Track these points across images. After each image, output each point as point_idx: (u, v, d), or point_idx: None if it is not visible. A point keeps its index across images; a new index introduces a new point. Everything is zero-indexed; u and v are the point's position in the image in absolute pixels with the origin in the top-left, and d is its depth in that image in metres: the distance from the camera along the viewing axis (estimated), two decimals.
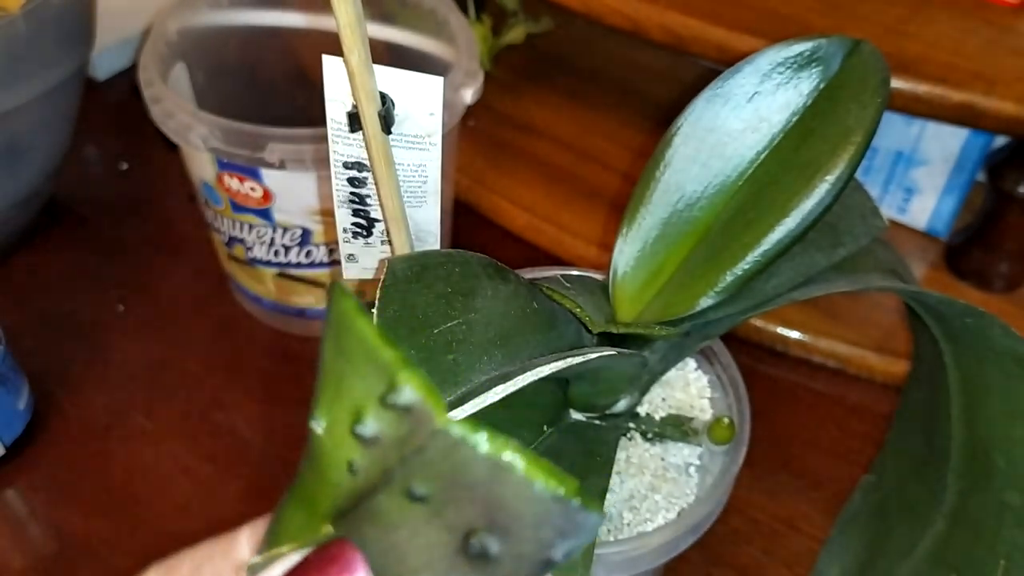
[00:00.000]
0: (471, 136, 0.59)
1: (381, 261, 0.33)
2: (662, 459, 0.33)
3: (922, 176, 0.52)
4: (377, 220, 0.32)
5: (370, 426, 0.14)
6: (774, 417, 0.46)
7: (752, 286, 0.29)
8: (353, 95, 0.27)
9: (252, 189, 0.42)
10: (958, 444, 0.34)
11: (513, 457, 0.13)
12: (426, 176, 0.31)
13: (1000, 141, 0.49)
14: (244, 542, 0.17)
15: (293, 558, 0.16)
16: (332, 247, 0.45)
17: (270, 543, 0.16)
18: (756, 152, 0.31)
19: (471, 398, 0.23)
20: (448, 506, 0.14)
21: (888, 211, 0.54)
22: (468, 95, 0.42)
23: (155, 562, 0.19)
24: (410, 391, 0.13)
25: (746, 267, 0.29)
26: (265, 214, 0.43)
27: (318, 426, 0.15)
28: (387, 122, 0.28)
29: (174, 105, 0.41)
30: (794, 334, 0.48)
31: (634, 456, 0.33)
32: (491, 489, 0.13)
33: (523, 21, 0.64)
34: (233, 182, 0.42)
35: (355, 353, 0.14)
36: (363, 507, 0.15)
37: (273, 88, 0.53)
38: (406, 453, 0.13)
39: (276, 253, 0.45)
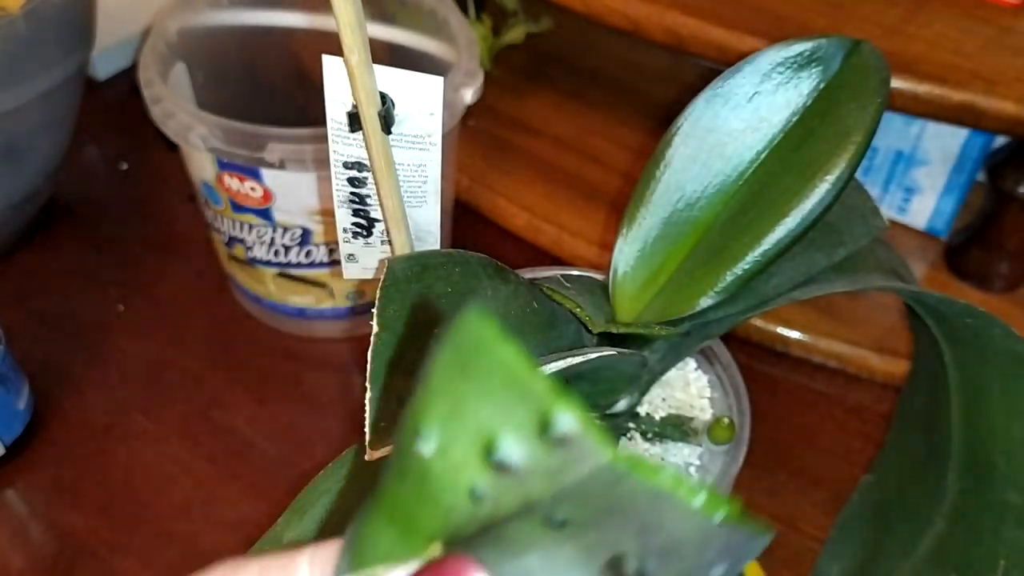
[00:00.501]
0: (471, 136, 0.59)
1: (381, 261, 0.33)
2: (662, 459, 0.33)
3: (922, 176, 0.52)
4: (377, 220, 0.32)
5: (509, 454, 0.13)
6: (774, 417, 0.46)
7: (752, 286, 0.29)
8: (353, 95, 0.27)
9: (252, 189, 0.42)
10: (958, 444, 0.34)
11: (683, 489, 0.12)
12: (426, 176, 0.31)
13: (1000, 141, 0.49)
14: (305, 566, 0.16)
15: (398, 572, 0.15)
16: (332, 247, 0.45)
17: (355, 563, 0.16)
18: (756, 152, 0.31)
19: None
20: (590, 530, 0.13)
21: (888, 211, 0.54)
22: (468, 95, 0.42)
23: None
24: (569, 422, 0.13)
25: (746, 267, 0.29)
26: (265, 214, 0.43)
27: (426, 446, 0.14)
28: (387, 122, 0.28)
29: (174, 105, 0.41)
30: (794, 334, 0.48)
31: (635, 454, 0.33)
32: (650, 516, 0.13)
33: (523, 21, 0.64)
34: (233, 182, 0.42)
35: (490, 377, 0.13)
36: (488, 533, 0.14)
37: (273, 88, 0.53)
38: (558, 485, 0.13)
39: (276, 253, 0.45)
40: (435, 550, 0.15)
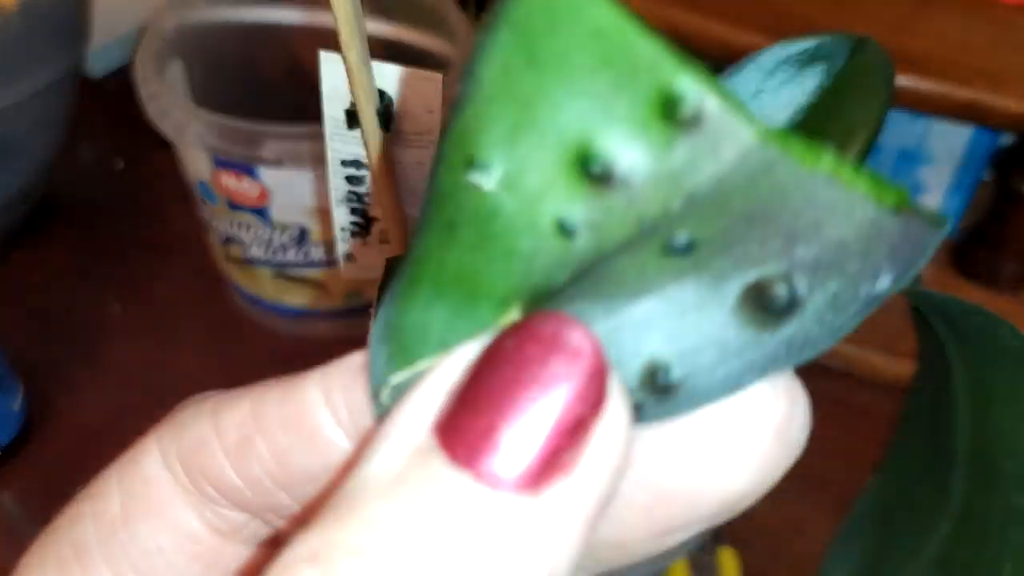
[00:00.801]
0: None
1: (380, 260, 0.33)
2: None
3: (928, 174, 0.52)
4: (375, 218, 0.32)
5: (615, 158, 0.10)
6: None
7: None
8: (351, 92, 0.27)
9: (249, 187, 0.42)
10: (964, 446, 0.34)
11: (846, 171, 0.10)
12: (426, 174, 0.30)
13: (1007, 139, 0.49)
14: (315, 391, 0.13)
15: (463, 356, 0.11)
16: (330, 246, 0.44)
17: (399, 359, 0.12)
18: None
19: None
20: (724, 251, 0.10)
21: None
22: None
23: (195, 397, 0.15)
24: (700, 95, 0.09)
25: None
26: (262, 213, 0.43)
27: (485, 176, 0.11)
28: (386, 119, 0.28)
29: (170, 102, 0.41)
30: None
31: None
32: (804, 216, 0.10)
33: None
34: (230, 180, 0.42)
35: (575, 54, 0.10)
36: (584, 280, 0.11)
37: (271, 85, 0.53)
38: (683, 191, 0.10)
39: (273, 252, 0.45)
40: (513, 315, 0.11)
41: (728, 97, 0.09)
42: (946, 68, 0.39)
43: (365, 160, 0.29)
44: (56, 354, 0.48)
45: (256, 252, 0.45)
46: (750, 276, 0.11)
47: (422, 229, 0.12)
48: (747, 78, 0.31)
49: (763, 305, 0.11)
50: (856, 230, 0.10)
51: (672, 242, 0.10)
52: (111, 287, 0.52)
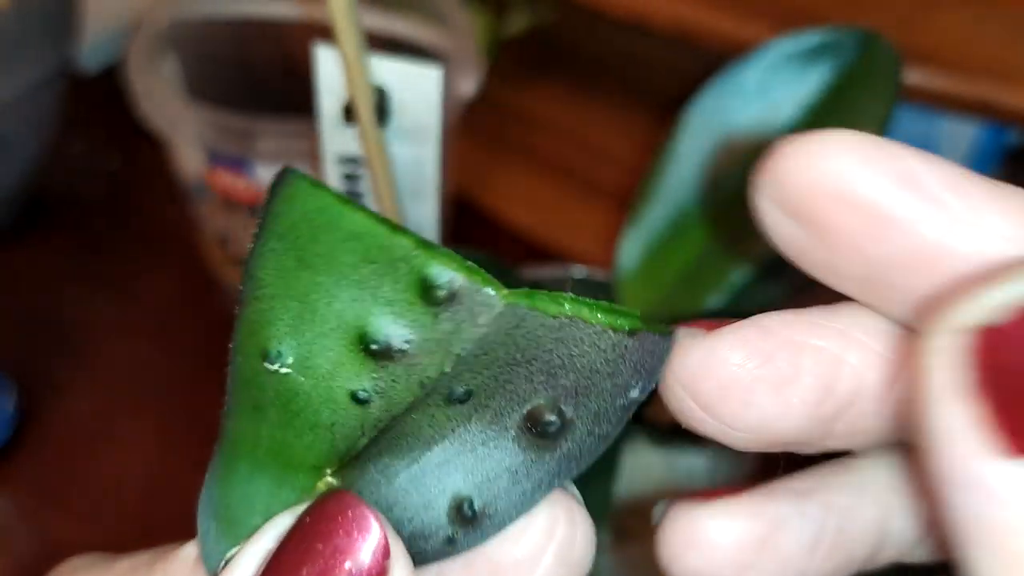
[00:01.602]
0: (472, 130, 0.58)
1: None
2: (668, 463, 0.32)
3: None
4: None
5: (388, 336, 0.12)
6: None
7: (761, 285, 0.29)
8: (347, 86, 0.26)
9: (244, 184, 0.41)
10: None
11: (583, 309, 0.12)
12: (424, 171, 0.30)
13: (1012, 138, 0.48)
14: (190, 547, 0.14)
15: (277, 526, 0.13)
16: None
17: (229, 533, 0.14)
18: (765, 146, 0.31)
19: None
20: (496, 392, 0.12)
21: None
22: (467, 87, 0.41)
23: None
24: (451, 276, 0.11)
25: (756, 265, 0.28)
26: (257, 211, 0.42)
27: (279, 362, 0.12)
28: (383, 115, 0.27)
29: (164, 98, 0.40)
30: None
31: (640, 460, 0.32)
32: (556, 353, 0.12)
33: (525, 12, 0.63)
34: (224, 177, 0.41)
35: (340, 254, 0.11)
36: (383, 439, 0.13)
37: (266, 80, 0.53)
38: (454, 352, 0.12)
39: None
40: (328, 479, 0.13)
41: (475, 273, 0.11)
42: (955, 63, 0.38)
43: (361, 157, 0.29)
44: (48, 355, 0.47)
45: None
46: (524, 408, 0.13)
47: (232, 412, 0.14)
48: (754, 72, 0.31)
49: (540, 431, 0.13)
50: (602, 356, 0.12)
51: (452, 393, 0.12)
52: (103, 286, 0.51)
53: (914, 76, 0.38)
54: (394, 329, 0.12)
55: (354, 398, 0.12)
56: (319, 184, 0.12)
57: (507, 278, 0.28)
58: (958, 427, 0.10)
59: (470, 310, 0.12)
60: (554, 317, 0.12)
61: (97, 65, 0.65)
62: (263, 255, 0.12)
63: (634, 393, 0.13)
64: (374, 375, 0.12)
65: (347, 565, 0.12)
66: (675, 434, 0.33)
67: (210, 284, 0.51)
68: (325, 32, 0.25)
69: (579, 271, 0.34)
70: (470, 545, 0.13)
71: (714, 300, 0.28)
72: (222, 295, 0.51)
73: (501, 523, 0.13)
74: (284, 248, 0.12)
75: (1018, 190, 0.11)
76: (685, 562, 0.13)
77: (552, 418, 0.12)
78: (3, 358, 0.43)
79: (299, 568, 0.12)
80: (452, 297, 0.11)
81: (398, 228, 0.11)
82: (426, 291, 0.11)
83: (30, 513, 0.41)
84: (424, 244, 0.11)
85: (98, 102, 0.62)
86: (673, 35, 0.42)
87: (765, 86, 0.31)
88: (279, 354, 0.12)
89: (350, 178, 0.30)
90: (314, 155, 0.39)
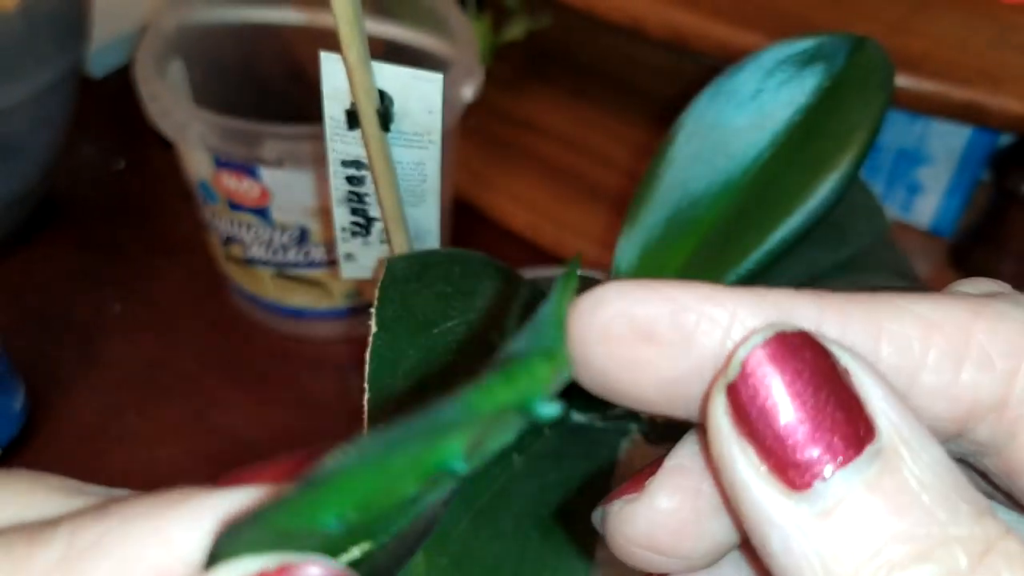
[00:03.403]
0: (471, 134, 0.59)
1: (380, 260, 0.33)
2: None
3: (926, 175, 0.52)
4: (376, 219, 0.32)
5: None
6: None
7: (755, 285, 0.29)
8: (351, 92, 0.27)
9: (249, 187, 0.42)
10: None
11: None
12: (425, 174, 0.30)
13: (1005, 139, 0.49)
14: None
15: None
16: (330, 246, 0.44)
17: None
18: (759, 150, 0.31)
19: None
20: None
21: (892, 210, 0.54)
22: (468, 92, 0.42)
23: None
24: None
25: (749, 266, 0.28)
26: (263, 213, 0.43)
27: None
28: (386, 119, 0.28)
29: (171, 102, 0.41)
30: None
31: (636, 458, 0.33)
32: None
33: (523, 18, 0.64)
34: (230, 180, 0.42)
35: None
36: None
37: (271, 85, 0.53)
38: None
39: (274, 252, 0.45)
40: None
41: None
42: (945, 68, 0.39)
43: (365, 160, 0.29)
44: (56, 354, 0.48)
45: (257, 252, 0.45)
46: None
47: None
48: (747, 78, 0.32)
49: None
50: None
51: None
52: (112, 287, 0.52)
53: (904, 81, 0.38)
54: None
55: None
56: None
57: (506, 276, 0.28)
58: (745, 472, 0.12)
59: None
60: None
61: (105, 69, 0.65)
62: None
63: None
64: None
65: None
66: (668, 429, 0.34)
67: (217, 284, 0.51)
68: (329, 38, 0.26)
69: (577, 272, 0.34)
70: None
71: None
72: (228, 294, 0.51)
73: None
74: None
75: (754, 289, 0.13)
76: (631, 551, 0.14)
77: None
78: (12, 356, 0.43)
79: None
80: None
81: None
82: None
83: None
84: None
85: (107, 106, 0.63)
86: (668, 41, 0.42)
87: (760, 91, 0.31)
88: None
89: (354, 181, 0.30)
90: (317, 159, 0.40)
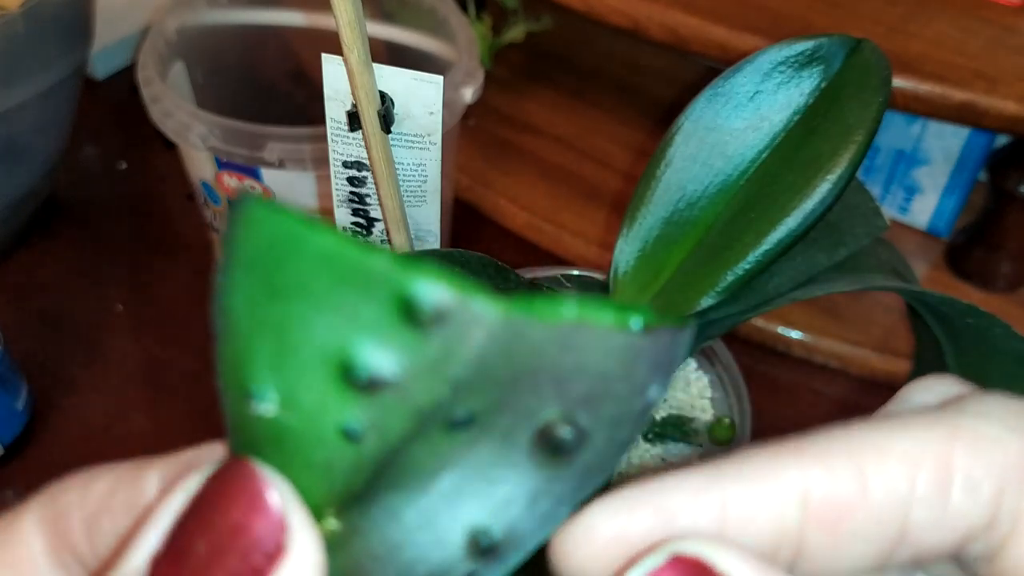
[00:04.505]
0: (471, 135, 0.59)
1: None
2: (663, 459, 0.33)
3: (923, 175, 0.52)
4: (377, 219, 0.32)
5: (374, 366, 0.10)
6: (775, 417, 0.46)
7: (753, 286, 0.29)
8: (353, 94, 0.27)
9: (251, 188, 0.42)
10: None
11: (589, 312, 0.10)
12: (426, 175, 0.31)
13: (1002, 140, 0.49)
14: (154, 479, 0.14)
15: (187, 489, 0.12)
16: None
17: None
18: (757, 151, 0.31)
19: None
20: (502, 412, 0.11)
21: (889, 210, 0.54)
22: (468, 94, 0.42)
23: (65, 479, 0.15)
24: (437, 293, 0.10)
25: (747, 267, 0.29)
26: None
27: (264, 404, 0.11)
28: (387, 121, 0.28)
29: (173, 104, 0.41)
30: (795, 334, 0.48)
31: (634, 457, 0.33)
32: (563, 362, 0.11)
33: (523, 20, 0.64)
34: (232, 181, 0.42)
35: (313, 281, 0.10)
36: (384, 475, 0.12)
37: (273, 87, 0.53)
38: (449, 376, 0.11)
39: None
40: (331, 524, 0.12)
41: (463, 287, 0.10)
42: (942, 70, 0.39)
43: (366, 161, 0.29)
44: (60, 353, 0.48)
45: None
46: (535, 424, 0.11)
47: (230, 448, 0.13)
48: (745, 79, 0.32)
49: (554, 446, 0.11)
50: (614, 359, 0.11)
51: (454, 418, 0.11)
52: (115, 287, 0.52)
53: (902, 83, 0.38)
54: (379, 357, 0.10)
55: (345, 435, 0.11)
56: (280, 208, 0.10)
57: (506, 276, 0.29)
58: None
59: (461, 328, 0.10)
60: (556, 325, 0.10)
61: (108, 71, 0.65)
62: (232, 286, 0.11)
63: (652, 393, 0.12)
64: (363, 408, 0.11)
65: (243, 539, 0.11)
66: (667, 427, 0.34)
67: None
68: (331, 40, 0.26)
69: (576, 272, 0.35)
70: None
71: (707, 301, 0.29)
72: None
73: (523, 548, 0.12)
74: (252, 277, 0.11)
75: (718, 466, 0.13)
76: (568, 561, 0.14)
77: (566, 431, 0.11)
78: (15, 356, 0.43)
79: (194, 539, 0.12)
80: (439, 316, 0.10)
81: (371, 247, 0.10)
82: (410, 312, 0.10)
83: None
84: (402, 261, 0.10)
85: (110, 107, 0.63)
86: (667, 43, 0.42)
87: (758, 92, 0.32)
88: (262, 393, 0.11)
89: (355, 182, 0.31)
90: (319, 160, 0.40)
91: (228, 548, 0.11)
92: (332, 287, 0.10)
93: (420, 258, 0.10)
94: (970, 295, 0.50)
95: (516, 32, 0.64)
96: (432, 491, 0.12)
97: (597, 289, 0.32)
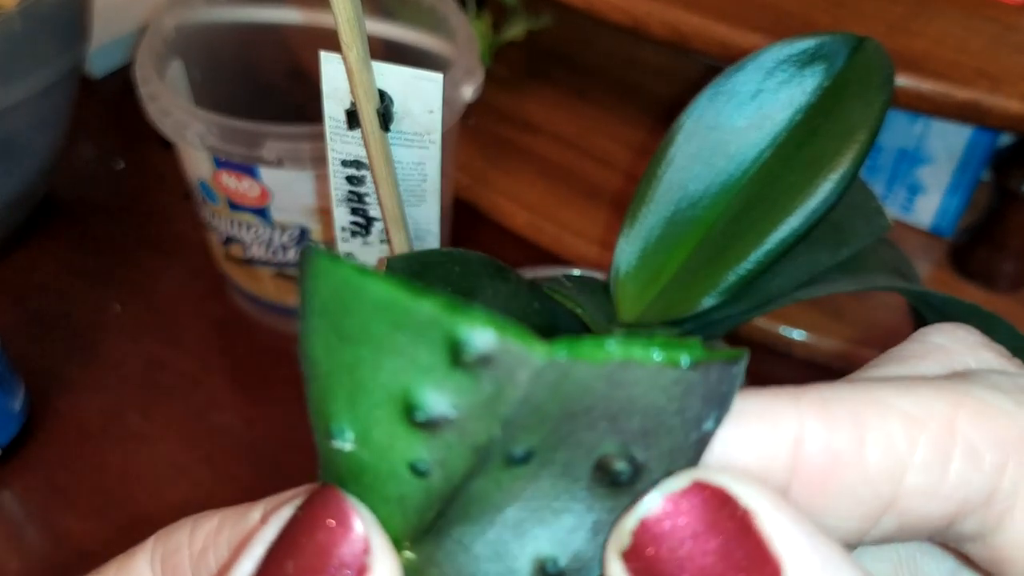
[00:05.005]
0: (471, 134, 0.58)
1: (380, 260, 0.33)
2: None
3: (927, 175, 0.52)
4: (376, 219, 0.32)
5: (433, 406, 0.11)
6: None
7: (755, 286, 0.29)
8: (351, 92, 0.27)
9: (249, 187, 0.42)
10: None
11: (635, 350, 0.11)
12: (425, 174, 0.30)
13: (1006, 139, 0.49)
14: (258, 513, 0.16)
15: (280, 518, 0.13)
16: (330, 246, 0.44)
17: None
18: (759, 150, 0.31)
19: None
20: (559, 448, 0.12)
21: (892, 210, 0.54)
22: (468, 92, 0.42)
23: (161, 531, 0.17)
24: (481, 337, 0.11)
25: (749, 267, 0.28)
26: (262, 213, 0.43)
27: (343, 441, 0.12)
28: (386, 120, 0.28)
29: (171, 102, 0.41)
30: (797, 334, 0.48)
31: None
32: (613, 398, 0.11)
33: (523, 18, 0.64)
34: (230, 180, 0.42)
35: (374, 325, 0.11)
36: (453, 508, 0.12)
37: (271, 85, 0.53)
38: (502, 413, 0.11)
39: (274, 252, 0.45)
40: (408, 555, 0.13)
41: (507, 331, 0.11)
42: (945, 68, 0.39)
43: (365, 160, 0.29)
44: (56, 354, 0.48)
45: (257, 252, 0.45)
46: (592, 458, 0.12)
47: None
48: (747, 77, 0.31)
49: (612, 480, 0.12)
50: (666, 394, 0.11)
51: (513, 455, 0.12)
52: (112, 287, 0.52)
53: (905, 81, 0.38)
54: (436, 397, 0.11)
55: (414, 470, 0.12)
56: (337, 258, 0.11)
57: (506, 276, 0.28)
58: None
59: (508, 370, 0.11)
60: (602, 364, 0.11)
61: (105, 69, 0.65)
62: (310, 333, 0.12)
63: (708, 424, 0.12)
64: (427, 445, 0.12)
65: (332, 560, 0.12)
66: None
67: (217, 284, 0.51)
68: (330, 37, 0.26)
69: (577, 272, 0.34)
70: None
71: (708, 301, 0.29)
72: (228, 294, 0.51)
73: (587, 575, 0.13)
74: (324, 324, 0.12)
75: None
76: None
77: (623, 465, 0.12)
78: (12, 356, 0.43)
79: (284, 561, 0.12)
80: (487, 359, 0.11)
81: (421, 291, 0.11)
82: (459, 355, 0.11)
83: (38, 511, 0.41)
84: (450, 305, 0.11)
85: (107, 106, 0.63)
86: (669, 41, 0.42)
87: (760, 91, 0.31)
88: (341, 431, 0.12)
89: (354, 181, 0.30)
90: (317, 159, 0.40)
91: (314, 569, 0.12)
92: (390, 332, 0.11)
93: (468, 302, 0.11)
94: (974, 295, 0.50)
95: (516, 30, 0.63)
96: (499, 523, 0.12)
97: (598, 289, 0.32)
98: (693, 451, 0.12)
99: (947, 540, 0.14)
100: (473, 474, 0.12)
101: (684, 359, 0.11)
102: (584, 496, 0.12)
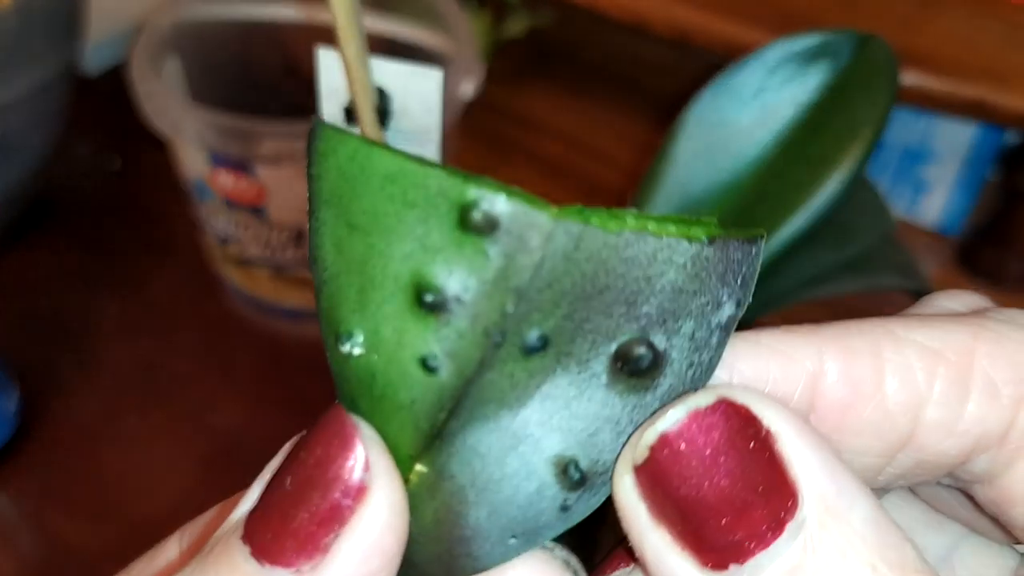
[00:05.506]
0: (471, 131, 0.58)
1: None
2: None
3: (933, 173, 0.51)
4: None
5: (444, 281, 0.11)
6: None
7: (760, 285, 0.29)
8: (349, 89, 0.27)
9: (246, 186, 0.41)
10: None
11: (650, 223, 0.11)
12: None
13: (1012, 137, 0.48)
14: (174, 541, 0.16)
15: (291, 443, 0.14)
16: None
17: None
18: (763, 148, 0.31)
19: None
20: (577, 336, 0.11)
21: (898, 208, 0.53)
22: (467, 89, 0.41)
23: None
24: (491, 200, 0.10)
25: None
26: (259, 211, 0.42)
27: (353, 346, 0.12)
28: (384, 117, 0.27)
29: (167, 100, 0.40)
30: None
31: None
32: (629, 279, 0.11)
33: (524, 14, 0.63)
34: (227, 178, 0.41)
35: (383, 204, 0.11)
36: (465, 408, 0.12)
37: (268, 83, 0.53)
38: (513, 289, 0.11)
39: (271, 252, 0.44)
40: (420, 469, 0.12)
41: (517, 194, 0.10)
42: (952, 66, 0.38)
43: None
44: (52, 355, 0.47)
45: (254, 251, 0.45)
46: (610, 347, 0.11)
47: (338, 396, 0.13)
48: (750, 75, 0.31)
49: (633, 370, 0.11)
50: (682, 273, 0.11)
51: (527, 343, 0.11)
52: (107, 287, 0.51)
53: (911, 78, 0.38)
54: (446, 275, 0.11)
55: (425, 366, 0.11)
56: (345, 131, 0.11)
57: None
58: (660, 551, 0.11)
59: (519, 235, 0.10)
60: (616, 234, 0.11)
61: (100, 67, 0.65)
62: (320, 230, 0.12)
63: (728, 309, 0.12)
64: (438, 334, 0.11)
65: (328, 475, 0.12)
66: None
67: (213, 283, 0.51)
68: (326, 34, 0.25)
69: None
70: (587, 510, 0.12)
71: None
72: (224, 294, 0.51)
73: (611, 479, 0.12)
74: (333, 216, 0.11)
75: (748, 335, 0.13)
76: None
77: (643, 352, 0.11)
78: (6, 357, 0.43)
79: (285, 477, 0.13)
80: (496, 224, 0.10)
81: (429, 163, 0.11)
82: (468, 222, 0.11)
83: (33, 512, 0.41)
84: (457, 172, 0.11)
85: (102, 104, 0.63)
86: (671, 38, 0.42)
87: (763, 88, 0.31)
88: (350, 335, 0.12)
89: None
90: None
91: (313, 483, 0.12)
92: (400, 210, 0.11)
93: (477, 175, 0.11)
94: (980, 293, 0.49)
95: (517, 27, 0.63)
96: (516, 424, 0.12)
97: None
98: (716, 340, 0.12)
99: (956, 482, 0.13)
100: (485, 365, 0.11)
101: (699, 233, 0.11)
102: (603, 391, 0.12)
